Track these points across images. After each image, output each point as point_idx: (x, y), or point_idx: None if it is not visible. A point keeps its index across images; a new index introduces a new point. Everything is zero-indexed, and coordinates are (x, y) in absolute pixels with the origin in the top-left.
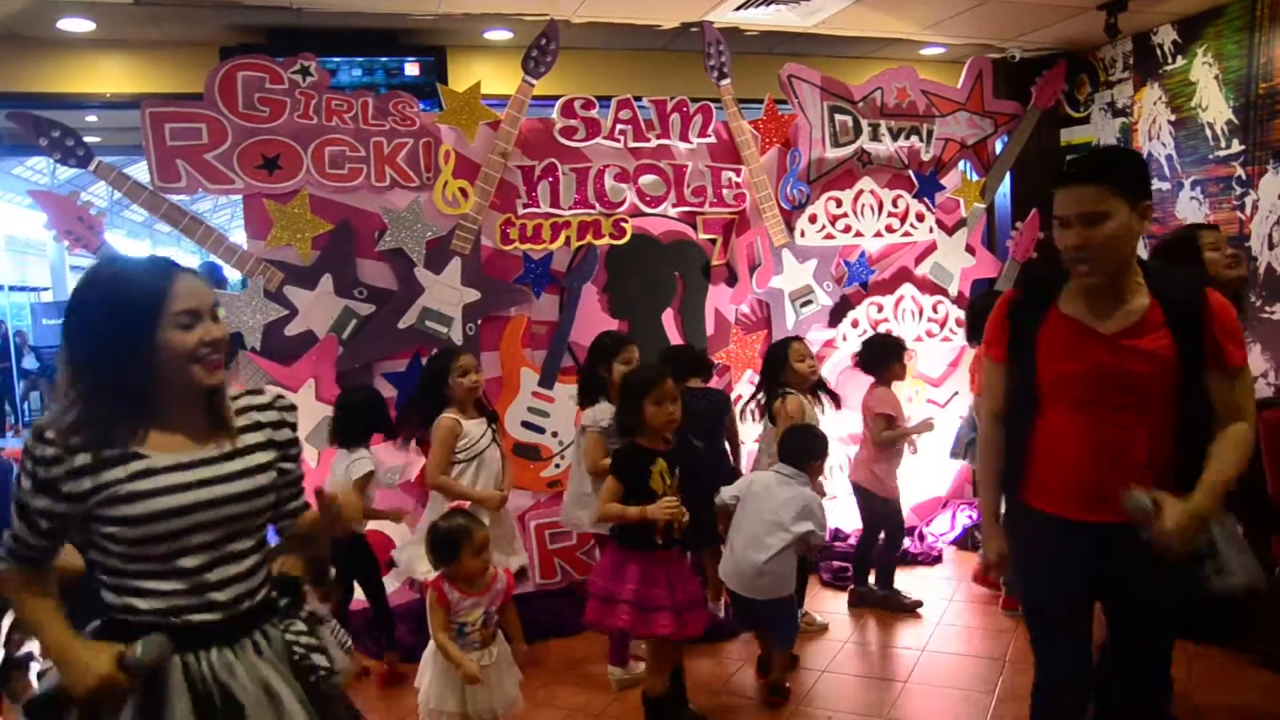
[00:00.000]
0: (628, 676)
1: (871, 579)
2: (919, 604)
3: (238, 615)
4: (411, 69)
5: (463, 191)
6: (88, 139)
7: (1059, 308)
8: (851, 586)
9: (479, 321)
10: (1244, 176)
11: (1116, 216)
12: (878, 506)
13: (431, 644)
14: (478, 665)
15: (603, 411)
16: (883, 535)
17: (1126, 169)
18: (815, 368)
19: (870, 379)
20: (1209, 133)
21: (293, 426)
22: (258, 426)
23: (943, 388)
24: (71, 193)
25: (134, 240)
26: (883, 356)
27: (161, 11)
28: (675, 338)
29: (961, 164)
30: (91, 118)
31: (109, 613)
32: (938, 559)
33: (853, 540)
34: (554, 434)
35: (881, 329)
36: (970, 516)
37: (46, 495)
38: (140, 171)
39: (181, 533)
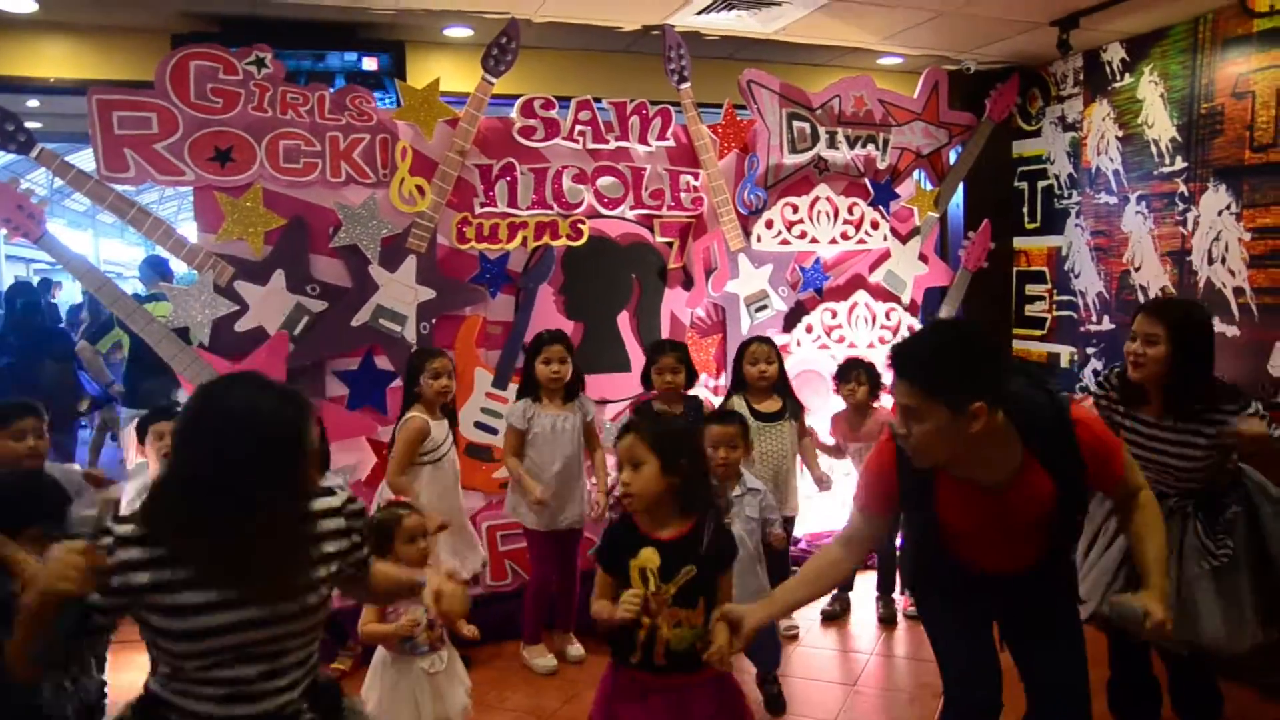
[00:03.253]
0: None
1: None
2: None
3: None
4: (369, 64)
5: (419, 189)
6: (29, 124)
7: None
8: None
9: (433, 320)
10: (1186, 193)
11: (932, 419)
12: None
13: (377, 655)
14: (425, 671)
15: (515, 409)
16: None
17: (948, 373)
18: (765, 372)
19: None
20: (1154, 149)
21: (359, 532)
22: (320, 539)
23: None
24: (11, 179)
25: (75, 230)
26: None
27: None
28: (630, 340)
29: (916, 173)
30: (33, 102)
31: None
32: None
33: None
34: None
35: (834, 335)
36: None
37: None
38: (84, 160)
39: (230, 648)
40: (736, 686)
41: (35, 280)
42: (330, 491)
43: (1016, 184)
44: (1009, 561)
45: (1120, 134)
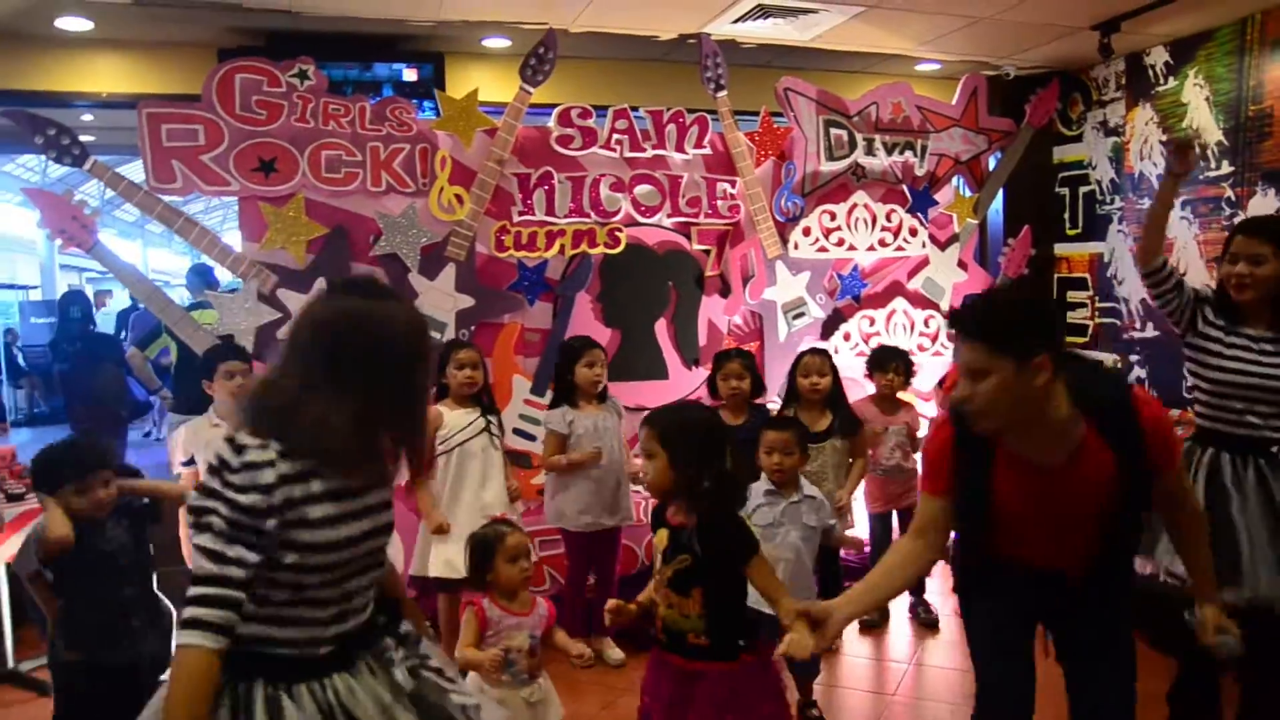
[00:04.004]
0: None
1: None
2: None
3: (355, 641)
4: (409, 75)
5: (458, 198)
6: (83, 138)
7: (1004, 445)
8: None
9: (473, 328)
10: (1233, 197)
11: (998, 373)
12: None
13: (470, 680)
14: (525, 701)
15: (554, 415)
16: None
17: (1012, 324)
18: (817, 385)
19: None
20: (1199, 153)
21: None
22: None
23: (933, 403)
24: (65, 191)
25: (125, 240)
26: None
27: (160, 12)
28: (668, 348)
29: (955, 180)
30: (87, 117)
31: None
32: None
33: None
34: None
35: (873, 343)
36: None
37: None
38: (134, 171)
39: (345, 563)
40: (759, 679)
41: (90, 290)
42: None
43: (1057, 190)
44: (1061, 556)
45: (1164, 138)
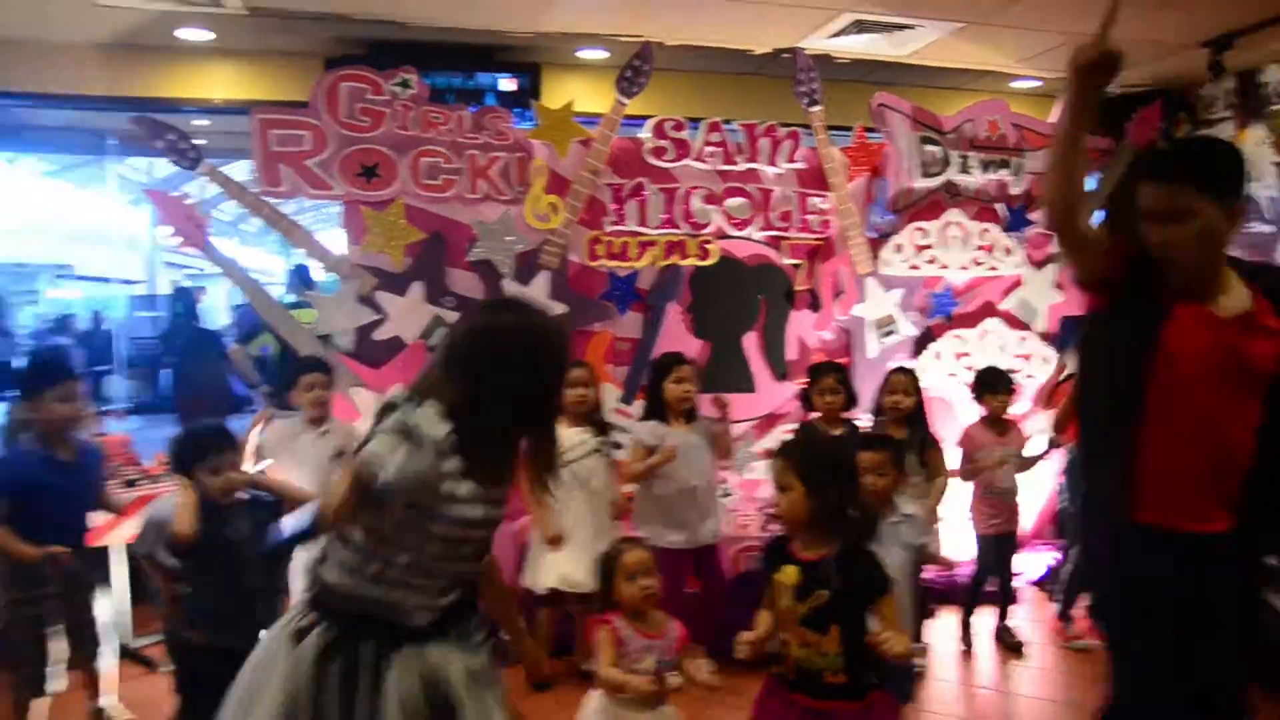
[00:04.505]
0: None
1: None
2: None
3: (451, 615)
4: (507, 84)
5: (553, 207)
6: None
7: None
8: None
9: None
10: None
11: (1201, 217)
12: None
13: (593, 703)
14: None
15: (645, 426)
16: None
17: (1220, 166)
18: (899, 403)
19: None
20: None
21: None
22: None
23: (1026, 424)
24: (180, 193)
25: (220, 238)
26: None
27: (273, 23)
28: (757, 360)
29: None
30: (198, 121)
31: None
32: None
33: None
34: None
35: (963, 362)
36: (1056, 558)
37: None
38: (235, 173)
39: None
40: (884, 713)
41: (188, 284)
42: None
43: None
44: (1215, 475)
45: (1278, 160)
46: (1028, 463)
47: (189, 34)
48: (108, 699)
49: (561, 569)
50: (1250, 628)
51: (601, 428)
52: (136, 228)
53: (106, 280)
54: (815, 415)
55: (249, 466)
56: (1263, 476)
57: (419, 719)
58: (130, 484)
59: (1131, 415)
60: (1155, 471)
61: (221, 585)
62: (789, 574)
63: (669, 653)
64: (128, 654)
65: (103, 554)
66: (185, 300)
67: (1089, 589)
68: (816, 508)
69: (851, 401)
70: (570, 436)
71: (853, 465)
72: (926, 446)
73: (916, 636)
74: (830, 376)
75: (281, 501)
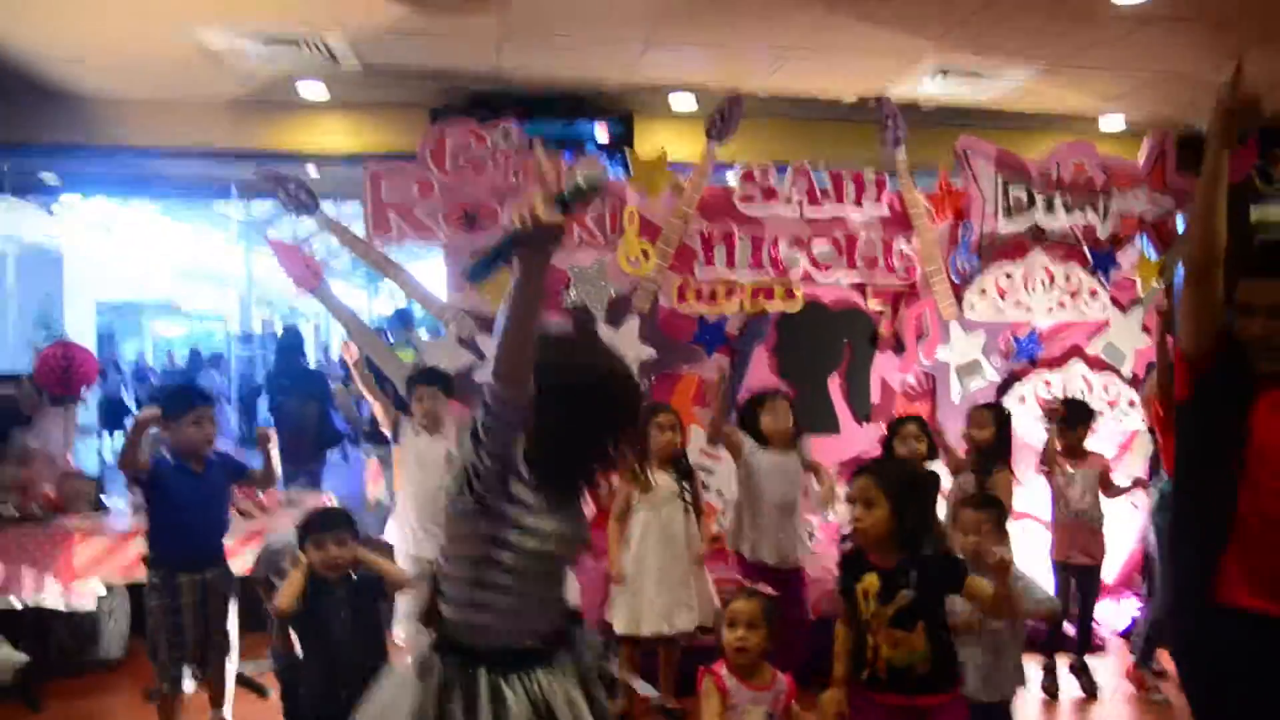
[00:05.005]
0: None
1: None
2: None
3: (553, 639)
4: (600, 133)
5: (645, 253)
6: None
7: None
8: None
9: (653, 378)
10: None
11: None
12: None
13: None
14: None
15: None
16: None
17: None
18: (915, 451)
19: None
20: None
21: None
22: None
23: (1115, 471)
24: (297, 240)
25: (333, 280)
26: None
27: (383, 78)
28: (840, 403)
29: (1139, 240)
30: (311, 170)
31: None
32: (1100, 647)
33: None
34: (719, 491)
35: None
36: (1139, 608)
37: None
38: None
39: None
40: (967, 715)
41: (278, 324)
42: None
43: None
44: None
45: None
46: (1112, 490)
47: (308, 90)
48: (228, 710)
49: (633, 611)
50: None
51: (686, 473)
52: (236, 267)
53: (207, 318)
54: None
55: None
56: None
57: None
58: (242, 514)
59: (1223, 505)
60: (1242, 557)
61: (318, 654)
62: (871, 581)
63: (776, 706)
64: (239, 678)
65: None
66: (293, 339)
67: (1174, 658)
68: (897, 526)
69: (933, 452)
70: (662, 481)
71: (935, 490)
72: (994, 469)
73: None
74: (912, 424)
75: (383, 580)
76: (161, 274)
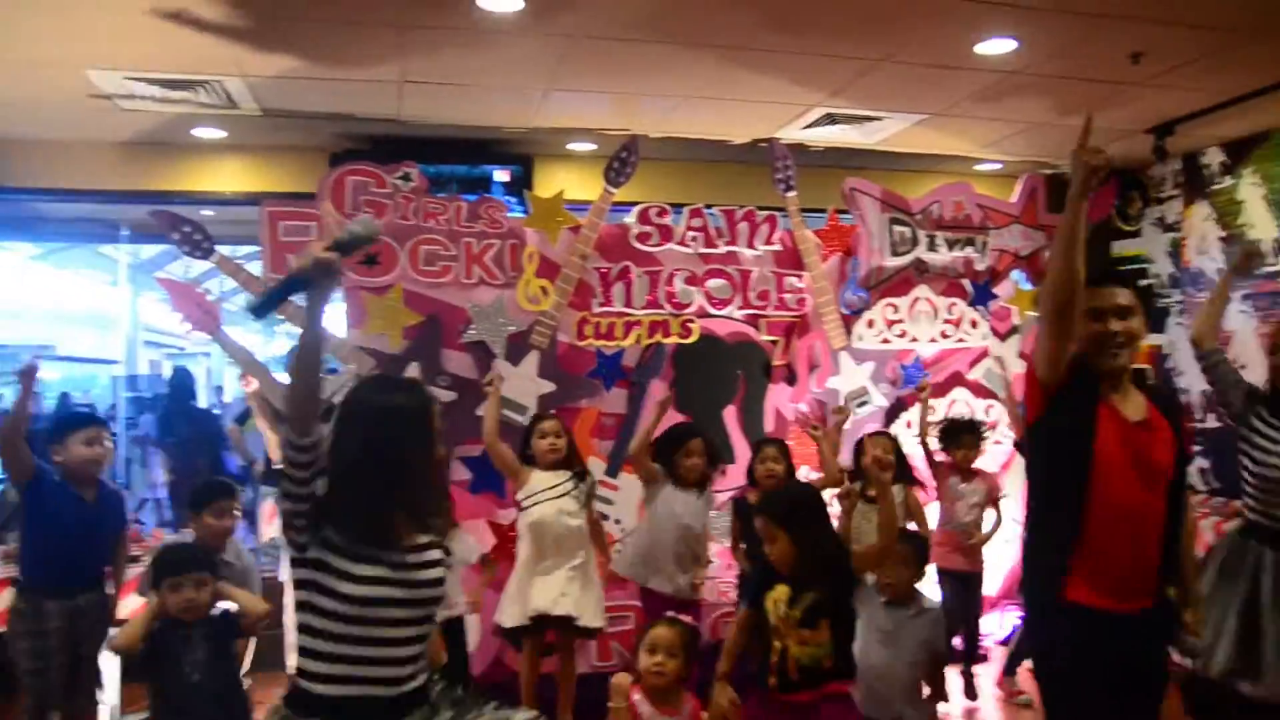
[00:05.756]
0: None
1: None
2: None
3: (404, 694)
4: (500, 175)
5: (544, 290)
6: None
7: (1104, 398)
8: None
9: (553, 412)
10: None
11: (1139, 315)
12: None
13: None
14: None
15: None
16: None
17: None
18: (879, 460)
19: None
20: (1261, 259)
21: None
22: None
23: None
24: (192, 281)
25: (230, 326)
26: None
27: (283, 121)
28: (736, 433)
29: (1015, 274)
30: (207, 212)
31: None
32: (984, 657)
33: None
34: (617, 521)
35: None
36: (1020, 617)
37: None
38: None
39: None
40: (854, 708)
41: (167, 367)
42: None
43: None
44: (1142, 525)
45: (1222, 234)
46: (997, 513)
47: (204, 133)
48: None
49: (515, 604)
50: (1162, 684)
51: (580, 475)
52: (118, 309)
53: (88, 360)
54: (754, 489)
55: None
56: (1168, 561)
57: None
58: (133, 560)
59: (1074, 509)
60: (1087, 558)
61: (172, 695)
62: (780, 590)
63: None
64: None
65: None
66: (183, 380)
67: (1030, 653)
68: (801, 550)
69: (790, 474)
70: (543, 479)
71: (818, 502)
72: (906, 484)
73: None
74: (772, 448)
75: (240, 619)
76: (39, 318)
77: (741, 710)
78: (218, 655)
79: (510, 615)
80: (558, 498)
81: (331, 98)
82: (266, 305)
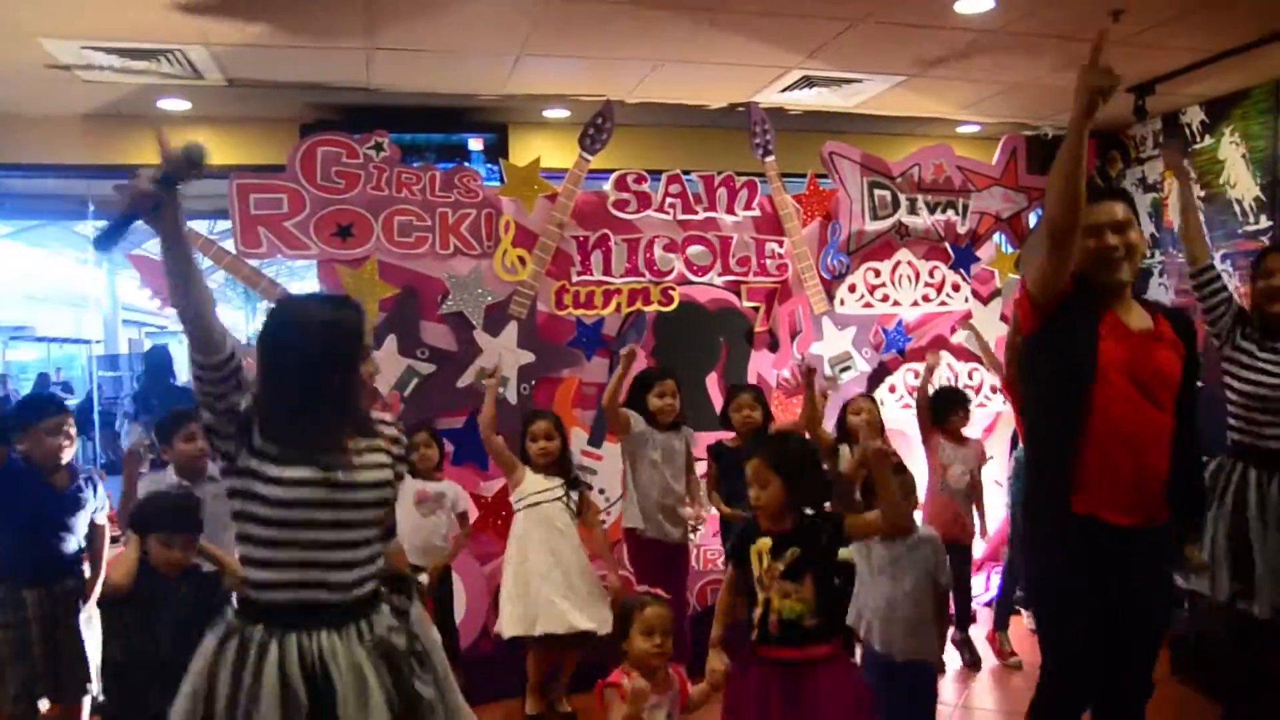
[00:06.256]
0: None
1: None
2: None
3: (348, 601)
4: (475, 144)
5: (521, 259)
6: None
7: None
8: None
9: (533, 382)
10: None
11: (1136, 228)
12: None
13: None
14: None
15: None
16: None
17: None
18: (863, 424)
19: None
20: (1237, 208)
21: (403, 458)
22: (378, 434)
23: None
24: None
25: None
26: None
27: (249, 92)
28: (719, 400)
29: (997, 236)
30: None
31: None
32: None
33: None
34: (601, 490)
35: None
36: (999, 572)
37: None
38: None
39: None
40: (852, 667)
41: (147, 343)
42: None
43: None
44: (1145, 444)
45: (1202, 194)
46: (981, 489)
47: (169, 104)
48: None
49: (515, 614)
50: (1165, 607)
51: (570, 479)
52: (96, 288)
53: (66, 340)
54: (732, 436)
55: None
56: (1177, 480)
57: (297, 707)
58: (113, 541)
59: (1076, 420)
60: (1092, 470)
61: (138, 652)
62: (763, 544)
63: (675, 706)
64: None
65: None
66: (160, 357)
67: (1027, 560)
68: (792, 499)
69: (768, 418)
70: (537, 482)
71: (817, 456)
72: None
73: (941, 651)
74: (747, 394)
75: (220, 575)
76: (13, 298)
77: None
78: (198, 610)
79: (511, 624)
80: (550, 502)
81: (299, 67)
82: (106, 239)
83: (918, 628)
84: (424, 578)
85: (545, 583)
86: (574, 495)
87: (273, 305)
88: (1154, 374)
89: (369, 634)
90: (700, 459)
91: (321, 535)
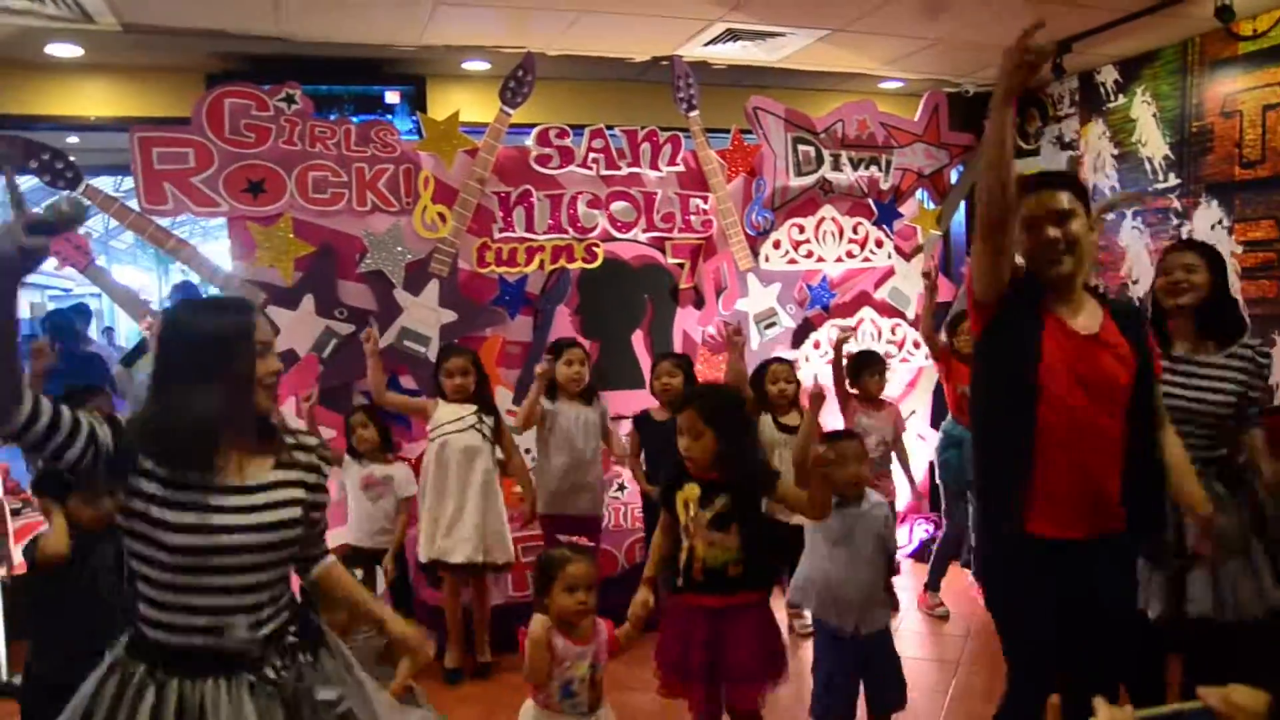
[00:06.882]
0: None
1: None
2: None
3: (241, 647)
4: (391, 97)
5: (441, 216)
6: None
7: (1050, 311)
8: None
9: (456, 341)
10: (1180, 208)
11: (1080, 217)
12: None
13: (526, 708)
14: None
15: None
16: None
17: (1078, 183)
18: (784, 390)
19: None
20: (1149, 167)
21: (322, 478)
22: (293, 465)
23: (901, 406)
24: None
25: (120, 265)
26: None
27: (147, 39)
28: (644, 358)
29: (919, 193)
30: (73, 139)
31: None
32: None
33: None
34: (526, 450)
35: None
36: (926, 530)
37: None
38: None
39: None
40: (771, 619)
41: (49, 307)
42: (308, 434)
43: None
44: (1096, 451)
45: (1116, 152)
46: (900, 450)
47: (59, 49)
48: None
49: (441, 541)
50: (1130, 618)
51: (488, 409)
52: None
53: None
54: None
55: None
56: (1132, 487)
57: None
58: (15, 513)
59: (1022, 436)
60: (1041, 486)
61: (75, 619)
62: (690, 491)
63: (600, 657)
64: (4, 691)
65: None
66: (62, 320)
67: (984, 590)
68: (723, 450)
69: (691, 383)
70: (449, 412)
71: (750, 415)
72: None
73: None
74: (667, 362)
75: None
76: None
77: (651, 612)
78: (120, 563)
79: (426, 549)
80: (462, 430)
81: (199, 11)
82: None
83: (875, 597)
84: (386, 562)
85: (457, 511)
86: (488, 420)
87: (160, 318)
88: (1101, 381)
89: (266, 679)
90: (624, 417)
91: (222, 580)
